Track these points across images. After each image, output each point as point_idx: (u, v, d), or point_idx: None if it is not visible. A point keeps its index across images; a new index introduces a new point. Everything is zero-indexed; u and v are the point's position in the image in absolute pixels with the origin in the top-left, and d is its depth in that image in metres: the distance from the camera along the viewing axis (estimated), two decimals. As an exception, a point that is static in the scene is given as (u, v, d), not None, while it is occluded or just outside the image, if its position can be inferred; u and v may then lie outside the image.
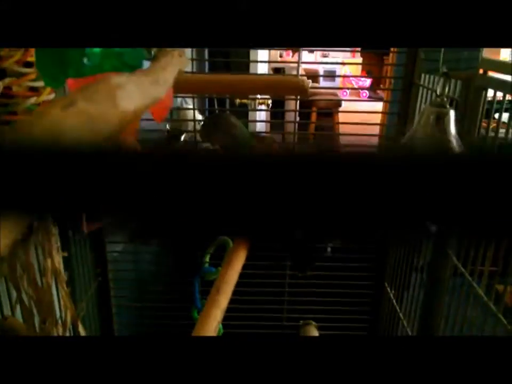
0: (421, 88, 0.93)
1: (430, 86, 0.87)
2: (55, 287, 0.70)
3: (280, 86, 0.76)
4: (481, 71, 0.72)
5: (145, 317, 1.32)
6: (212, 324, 0.74)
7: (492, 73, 0.72)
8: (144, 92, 0.34)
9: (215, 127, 0.81)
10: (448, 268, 0.83)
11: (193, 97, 1.00)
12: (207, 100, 2.25)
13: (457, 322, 0.80)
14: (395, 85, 1.12)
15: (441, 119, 0.63)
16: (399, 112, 0.98)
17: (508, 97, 0.65)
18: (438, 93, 0.63)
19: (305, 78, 0.78)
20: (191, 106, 1.79)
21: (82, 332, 0.71)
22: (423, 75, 0.92)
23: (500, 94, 0.66)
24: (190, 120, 1.12)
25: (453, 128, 0.64)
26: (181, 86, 0.82)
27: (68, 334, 0.76)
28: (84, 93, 0.27)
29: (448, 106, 0.63)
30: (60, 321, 0.70)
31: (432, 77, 0.84)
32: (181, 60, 0.43)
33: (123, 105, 0.30)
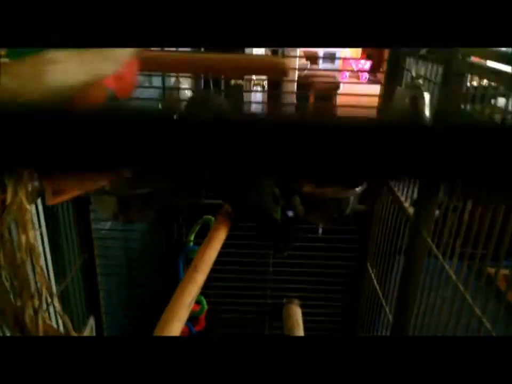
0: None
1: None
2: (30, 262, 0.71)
3: (260, 66, 0.76)
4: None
5: (131, 294, 1.34)
6: (186, 299, 0.75)
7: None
8: (88, 68, 0.33)
9: (200, 106, 0.81)
10: (423, 249, 0.84)
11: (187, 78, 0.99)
12: (202, 80, 2.23)
13: (430, 303, 0.81)
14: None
15: (415, 101, 0.63)
16: (384, 94, 0.97)
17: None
18: (413, 74, 0.63)
19: (286, 59, 0.77)
20: (184, 86, 1.79)
21: (57, 306, 0.72)
22: (407, 58, 0.91)
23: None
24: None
25: (427, 110, 0.64)
26: (159, 64, 0.82)
27: (44, 308, 0.78)
28: (9, 68, 0.27)
29: (422, 88, 0.63)
30: (36, 295, 0.71)
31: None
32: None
33: (54, 80, 0.30)
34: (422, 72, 0.62)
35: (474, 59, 0.70)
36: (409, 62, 0.82)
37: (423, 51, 0.67)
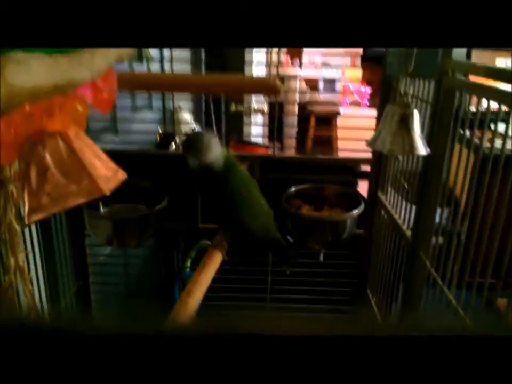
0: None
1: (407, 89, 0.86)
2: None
3: (252, 86, 0.76)
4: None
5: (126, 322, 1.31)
6: (186, 311, 0.73)
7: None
8: (56, 72, 0.33)
9: (190, 147, 0.83)
10: (422, 272, 0.82)
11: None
12: (203, 104, 2.26)
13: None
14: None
15: (405, 119, 0.62)
16: (378, 116, 0.97)
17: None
18: (402, 92, 0.63)
19: (288, 87, 0.78)
20: (185, 111, 1.81)
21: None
22: (400, 78, 0.91)
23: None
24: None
25: (417, 128, 0.63)
26: (157, 84, 0.83)
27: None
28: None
29: (412, 106, 0.63)
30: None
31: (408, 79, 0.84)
32: (119, 49, 0.42)
33: (13, 81, 0.30)
34: (411, 90, 0.62)
35: (472, 77, 0.70)
36: (400, 80, 0.82)
37: (411, 68, 0.67)
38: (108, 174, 0.45)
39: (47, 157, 0.42)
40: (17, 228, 0.65)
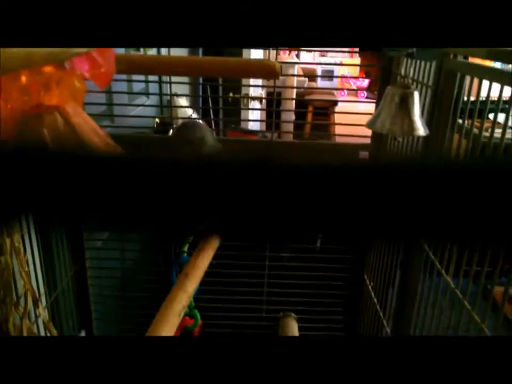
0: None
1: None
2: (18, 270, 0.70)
3: (251, 68, 0.75)
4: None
5: (124, 307, 1.31)
6: (176, 307, 0.73)
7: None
8: None
9: (184, 137, 0.82)
10: (420, 258, 0.82)
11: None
12: (200, 88, 2.24)
13: (428, 315, 0.79)
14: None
15: (405, 100, 0.62)
16: (377, 101, 0.97)
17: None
18: (402, 73, 0.62)
19: (277, 63, 0.77)
20: (182, 98, 1.80)
21: (42, 313, 0.70)
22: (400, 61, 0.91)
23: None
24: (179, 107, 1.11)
25: (417, 109, 0.63)
26: (154, 67, 0.81)
27: (32, 318, 0.76)
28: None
29: (412, 87, 0.62)
30: (21, 303, 0.69)
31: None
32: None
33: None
34: (411, 72, 0.62)
35: (472, 59, 0.69)
36: (400, 63, 0.82)
37: (410, 50, 0.66)
38: (106, 150, 0.44)
39: (45, 132, 0.42)
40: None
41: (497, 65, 0.56)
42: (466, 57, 0.66)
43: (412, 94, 0.62)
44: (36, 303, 0.70)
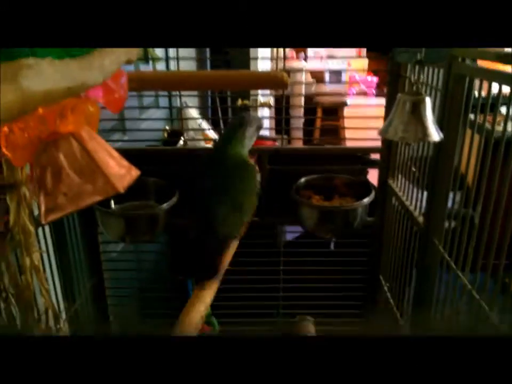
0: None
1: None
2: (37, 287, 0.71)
3: (259, 80, 0.76)
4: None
5: (142, 315, 1.33)
6: (194, 318, 0.73)
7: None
8: (68, 75, 0.34)
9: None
10: (435, 258, 0.81)
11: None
12: (209, 99, 2.25)
13: (446, 314, 0.79)
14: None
15: (417, 107, 0.62)
16: (387, 105, 0.97)
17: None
18: (412, 80, 0.63)
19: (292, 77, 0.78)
20: (191, 108, 1.81)
21: (64, 330, 0.71)
22: (409, 66, 0.91)
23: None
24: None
25: (429, 115, 0.63)
26: (163, 83, 0.83)
27: (51, 331, 0.77)
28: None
29: (423, 93, 0.62)
30: (43, 319, 0.71)
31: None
32: (127, 49, 0.42)
33: (28, 84, 0.30)
34: (422, 78, 0.62)
35: (480, 63, 0.69)
36: (409, 69, 0.82)
37: (419, 57, 0.66)
38: (121, 172, 0.45)
39: (61, 157, 0.43)
40: (31, 228, 0.66)
41: (508, 68, 0.55)
42: (474, 60, 0.66)
43: (424, 100, 0.62)
44: (57, 318, 0.72)
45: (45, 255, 0.90)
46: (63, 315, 0.97)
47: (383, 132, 0.66)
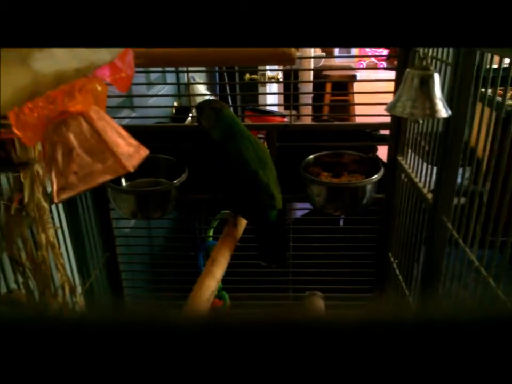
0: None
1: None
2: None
3: (267, 56, 0.75)
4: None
5: (155, 290, 1.36)
6: (205, 293, 0.75)
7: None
8: (78, 56, 0.34)
9: (201, 111, 0.88)
10: (444, 235, 0.82)
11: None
12: (217, 75, 2.24)
13: (453, 291, 0.80)
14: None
15: (425, 82, 0.61)
16: (396, 79, 0.95)
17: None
18: (421, 54, 0.62)
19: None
20: (200, 87, 1.80)
21: (80, 303, 0.74)
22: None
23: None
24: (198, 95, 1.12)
25: (438, 91, 0.62)
26: (169, 60, 0.82)
27: (69, 305, 0.79)
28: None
29: (432, 68, 0.61)
30: (59, 293, 0.73)
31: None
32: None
33: (39, 67, 0.30)
34: (430, 51, 0.61)
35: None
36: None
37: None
38: (130, 151, 0.46)
39: (71, 137, 0.43)
40: (46, 205, 0.68)
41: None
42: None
43: (432, 76, 0.61)
44: (73, 292, 0.74)
45: (59, 232, 0.92)
46: (79, 289, 1.00)
47: (390, 108, 0.65)
